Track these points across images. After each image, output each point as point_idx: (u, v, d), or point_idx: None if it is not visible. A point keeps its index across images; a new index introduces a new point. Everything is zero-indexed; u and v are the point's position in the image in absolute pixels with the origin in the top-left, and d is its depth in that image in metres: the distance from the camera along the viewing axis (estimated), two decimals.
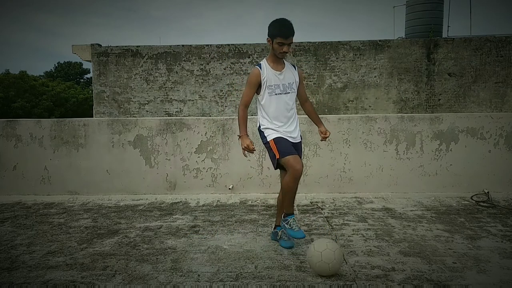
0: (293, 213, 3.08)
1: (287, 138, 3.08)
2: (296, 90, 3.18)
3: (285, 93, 3.09)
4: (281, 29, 2.96)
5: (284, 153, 2.97)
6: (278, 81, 3.07)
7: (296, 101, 3.25)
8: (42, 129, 5.05)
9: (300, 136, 3.26)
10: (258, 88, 3.09)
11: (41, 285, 2.60)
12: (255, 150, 3.07)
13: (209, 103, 14.22)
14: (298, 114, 3.29)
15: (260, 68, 3.08)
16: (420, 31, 15.10)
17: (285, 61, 3.18)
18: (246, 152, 3.01)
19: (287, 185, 2.97)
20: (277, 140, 3.03)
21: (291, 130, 3.13)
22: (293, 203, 3.24)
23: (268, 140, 3.08)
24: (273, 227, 3.38)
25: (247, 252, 3.07)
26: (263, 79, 3.05)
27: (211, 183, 5.00)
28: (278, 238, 3.24)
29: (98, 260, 2.98)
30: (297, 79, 3.18)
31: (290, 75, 3.14)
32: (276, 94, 3.07)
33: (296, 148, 3.12)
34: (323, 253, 2.56)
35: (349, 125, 4.89)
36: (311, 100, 13.81)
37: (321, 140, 3.35)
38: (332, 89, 13.91)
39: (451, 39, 13.62)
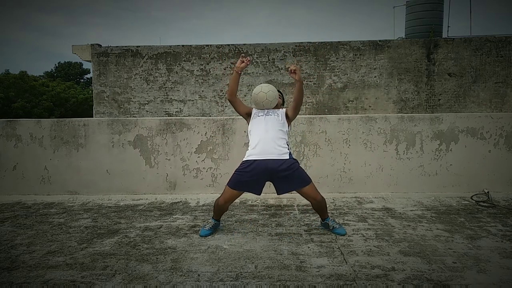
0: (217, 220, 3.55)
1: (253, 169, 3.33)
2: (280, 116, 3.50)
3: (267, 115, 3.49)
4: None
5: (230, 184, 3.41)
6: (262, 113, 3.55)
7: (288, 135, 3.54)
8: (42, 129, 5.05)
9: (291, 161, 3.36)
10: (248, 117, 3.60)
11: (41, 285, 2.60)
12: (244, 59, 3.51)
13: (209, 103, 14.22)
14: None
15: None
16: (420, 31, 15.11)
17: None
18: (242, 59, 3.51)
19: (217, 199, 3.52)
20: (237, 172, 3.41)
21: (264, 149, 3.35)
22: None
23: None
24: (321, 220, 3.65)
25: (247, 252, 3.07)
26: (253, 112, 3.59)
27: (211, 183, 5.00)
28: (330, 228, 3.51)
29: (98, 260, 2.98)
30: (281, 112, 3.53)
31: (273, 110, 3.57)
32: (258, 116, 3.50)
33: (270, 172, 3.32)
34: (263, 86, 3.50)
35: (349, 125, 4.89)
36: (310, 100, 13.82)
37: (288, 71, 3.53)
38: (332, 89, 13.91)
39: (451, 39, 13.61)
